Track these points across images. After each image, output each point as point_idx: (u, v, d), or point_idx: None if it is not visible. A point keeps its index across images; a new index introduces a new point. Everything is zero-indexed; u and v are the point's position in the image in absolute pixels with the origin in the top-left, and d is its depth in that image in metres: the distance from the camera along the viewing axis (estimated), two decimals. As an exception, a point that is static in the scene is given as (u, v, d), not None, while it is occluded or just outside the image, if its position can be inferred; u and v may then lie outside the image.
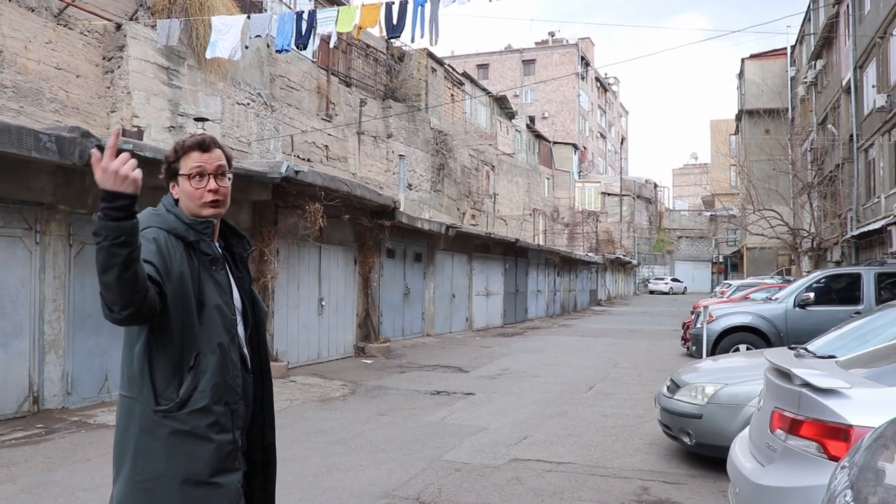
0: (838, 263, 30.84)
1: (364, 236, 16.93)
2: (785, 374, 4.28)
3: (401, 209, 17.74)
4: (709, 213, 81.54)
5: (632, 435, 8.53)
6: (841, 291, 13.71)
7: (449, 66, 33.96)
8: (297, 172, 12.30)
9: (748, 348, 13.21)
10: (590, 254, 48.89)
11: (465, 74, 37.56)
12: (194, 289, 2.59)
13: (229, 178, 2.80)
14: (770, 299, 14.38)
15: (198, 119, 16.76)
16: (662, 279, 77.34)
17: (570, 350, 19.16)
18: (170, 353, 2.55)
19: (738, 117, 58.23)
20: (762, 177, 35.59)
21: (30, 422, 8.80)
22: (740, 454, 4.72)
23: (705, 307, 13.56)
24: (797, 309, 13.30)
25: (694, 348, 14.20)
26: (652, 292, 73.71)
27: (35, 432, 8.33)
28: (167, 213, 2.69)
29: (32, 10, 13.43)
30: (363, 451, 7.61)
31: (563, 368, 15.13)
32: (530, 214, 46.65)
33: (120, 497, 2.53)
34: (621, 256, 61.46)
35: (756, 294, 25.23)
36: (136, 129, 14.68)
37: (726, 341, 13.42)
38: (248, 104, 19.12)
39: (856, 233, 26.41)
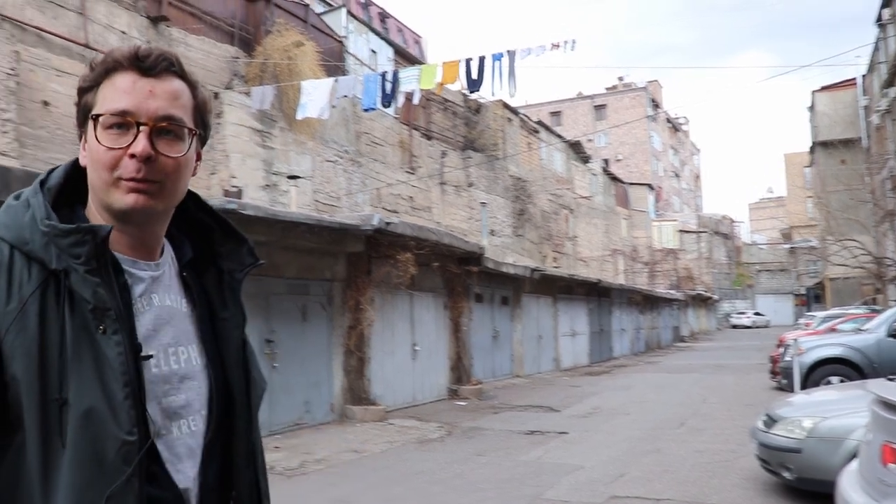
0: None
1: (453, 282, 17.49)
2: (893, 407, 4.23)
3: (486, 255, 18.23)
4: (788, 246, 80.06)
5: (728, 470, 8.74)
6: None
7: (524, 115, 34.63)
8: (387, 224, 12.94)
9: (840, 380, 13.22)
10: (671, 291, 48.59)
11: (539, 122, 38.20)
12: (52, 377, 1.26)
13: (191, 146, 1.44)
14: (860, 330, 14.32)
15: (290, 177, 17.57)
16: (744, 313, 76.10)
17: (658, 387, 19.25)
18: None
19: (812, 149, 57.41)
20: (841, 207, 35.12)
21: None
22: (850, 490, 4.74)
23: (795, 340, 13.56)
24: (890, 339, 13.24)
25: (784, 381, 14.22)
26: (734, 327, 72.54)
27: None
28: (23, 203, 1.36)
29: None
30: (463, 490, 8.00)
31: (653, 405, 15.30)
32: (610, 255, 46.69)
33: None
34: (702, 292, 60.81)
35: (843, 325, 24.90)
36: (234, 188, 15.55)
37: (817, 373, 13.41)
38: (337, 161, 19.94)
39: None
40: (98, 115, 1.36)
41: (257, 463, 1.55)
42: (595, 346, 30.06)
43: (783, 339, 26.92)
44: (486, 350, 20.26)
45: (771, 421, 7.52)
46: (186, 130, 1.42)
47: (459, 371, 17.76)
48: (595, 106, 77.30)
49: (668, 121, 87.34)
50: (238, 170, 16.63)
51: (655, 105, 79.08)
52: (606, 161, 64.27)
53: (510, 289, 21.86)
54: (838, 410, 7.05)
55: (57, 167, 1.44)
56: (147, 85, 1.37)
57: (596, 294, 30.19)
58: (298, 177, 17.89)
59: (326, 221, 11.66)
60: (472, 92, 16.10)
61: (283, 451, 10.10)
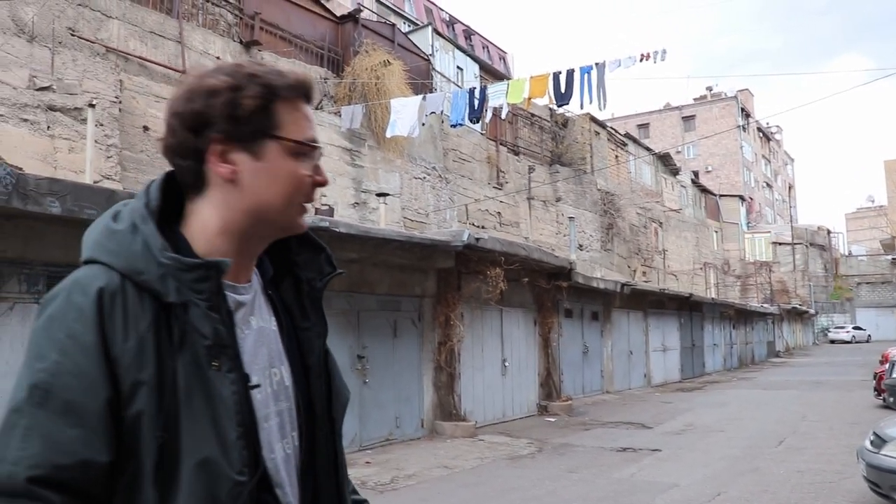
0: None
1: (542, 298, 17.41)
2: None
3: (576, 270, 18.10)
4: (890, 257, 77.22)
5: (832, 492, 8.45)
6: None
7: (611, 128, 34.38)
8: (477, 240, 12.97)
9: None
10: (765, 305, 47.35)
11: (627, 135, 37.92)
12: (163, 420, 1.21)
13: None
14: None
15: (379, 194, 17.80)
16: (843, 328, 73.40)
17: (754, 404, 18.74)
18: None
19: (916, 154, 55.26)
20: None
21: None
22: None
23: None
24: None
25: (892, 399, 13.67)
26: (833, 342, 70.05)
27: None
28: (132, 228, 1.27)
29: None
30: None
31: (749, 423, 14.91)
32: (701, 269, 45.86)
33: None
34: (797, 306, 59.05)
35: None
36: (325, 206, 15.84)
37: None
38: (424, 178, 20.13)
39: None
40: (296, 141, 1.34)
41: (339, 476, 1.49)
42: (686, 361, 29.47)
43: (887, 356, 26.01)
44: (576, 366, 20.08)
45: (881, 441, 7.23)
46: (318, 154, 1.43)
47: (549, 387, 17.65)
48: (683, 117, 76.26)
49: (760, 130, 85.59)
50: (329, 189, 16.93)
51: (746, 114, 77.50)
52: (696, 173, 63.20)
53: (600, 304, 21.64)
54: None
55: (151, 183, 1.35)
56: (312, 115, 1.39)
57: (687, 308, 29.63)
58: (387, 194, 18.10)
59: (417, 238, 11.77)
60: (560, 106, 16.08)
61: (375, 467, 10.20)
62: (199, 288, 1.24)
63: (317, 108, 17.16)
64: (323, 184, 1.37)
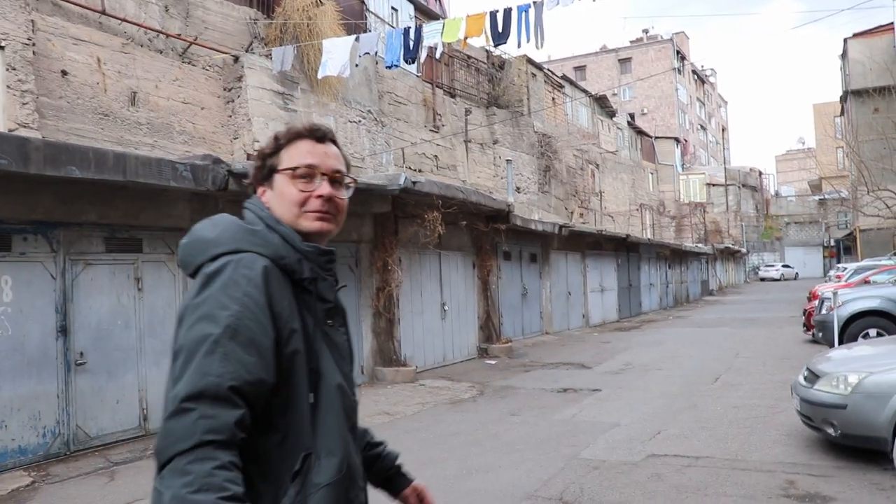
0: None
1: (481, 241, 17.34)
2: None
3: (514, 212, 18.03)
4: (817, 198, 79.08)
5: (767, 426, 8.59)
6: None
7: (548, 70, 34.19)
8: (414, 183, 12.76)
9: (878, 333, 12.99)
10: (699, 245, 48.21)
11: (564, 77, 37.78)
12: (307, 359, 1.73)
13: (348, 189, 1.98)
14: (897, 283, 14.04)
15: (314, 139, 17.43)
16: (773, 266, 75.49)
17: (689, 342, 19.09)
18: (266, 455, 1.69)
19: (843, 98, 56.32)
20: (874, 157, 34.52)
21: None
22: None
23: (835, 293, 13.24)
24: (930, 291, 12.98)
25: (820, 335, 13.97)
26: (763, 280, 72.07)
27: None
28: (268, 229, 1.81)
29: (161, 52, 14.29)
30: (499, 451, 7.90)
31: (685, 361, 15.16)
32: (637, 210, 46.33)
33: None
34: (730, 246, 60.32)
35: (877, 277, 24.48)
36: (257, 152, 15.42)
37: (854, 326, 13.17)
38: (360, 121, 19.76)
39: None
40: (292, 168, 1.87)
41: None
42: (624, 301, 29.89)
43: (815, 293, 26.65)
44: (516, 308, 20.15)
45: (813, 376, 7.34)
46: (348, 180, 2.00)
47: (489, 330, 17.68)
48: (619, 59, 76.25)
49: (695, 73, 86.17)
50: (261, 134, 16.50)
51: (682, 57, 77.95)
52: (632, 115, 63.47)
53: (538, 246, 21.68)
54: (884, 365, 6.87)
55: (253, 199, 1.94)
56: (322, 148, 1.93)
57: (624, 249, 29.96)
58: (322, 138, 17.74)
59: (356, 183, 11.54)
60: (496, 45, 15.79)
61: None
62: (328, 267, 1.89)
63: (247, 51, 16.63)
64: (322, 196, 1.88)
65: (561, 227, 21.49)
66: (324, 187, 1.89)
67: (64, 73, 11.89)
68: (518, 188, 28.34)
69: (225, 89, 16.23)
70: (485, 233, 17.14)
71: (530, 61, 30.73)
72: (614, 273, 28.88)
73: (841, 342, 13.32)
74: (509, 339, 18.24)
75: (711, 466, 6.97)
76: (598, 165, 39.08)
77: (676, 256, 39.67)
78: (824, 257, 78.33)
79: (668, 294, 37.68)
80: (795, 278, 71.96)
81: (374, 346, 13.45)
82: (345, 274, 12.71)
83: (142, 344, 9.32)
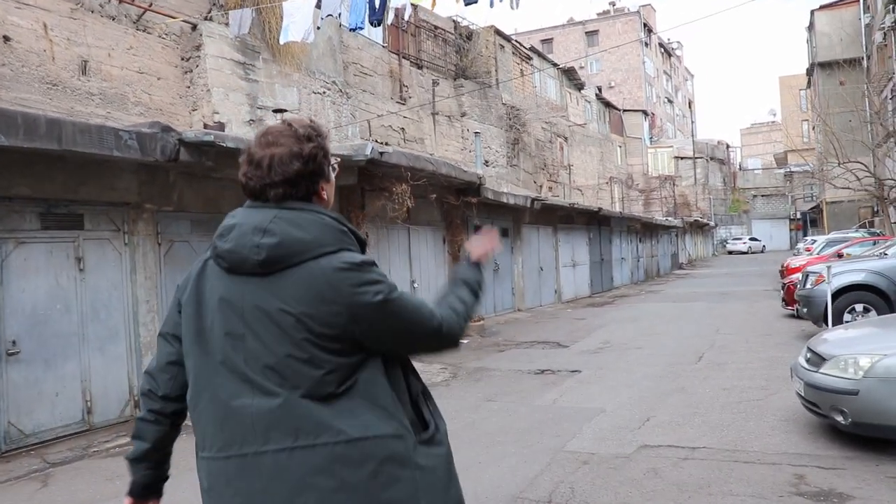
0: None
1: (451, 215, 16.64)
2: None
3: (485, 185, 17.33)
4: (784, 171, 79.39)
5: (762, 411, 8.01)
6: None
7: (516, 41, 33.50)
8: (381, 154, 12.02)
9: (865, 308, 12.51)
10: (669, 218, 47.97)
11: (532, 49, 37.14)
12: None
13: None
14: (883, 254, 13.51)
15: (276, 110, 16.64)
16: (740, 239, 75.73)
17: (666, 317, 18.59)
18: (396, 378, 2.09)
19: (810, 71, 56.43)
20: (840, 129, 34.47)
21: (132, 426, 8.54)
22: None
23: (829, 267, 12.55)
24: (917, 263, 12.48)
25: (805, 310, 13.46)
26: (731, 253, 72.21)
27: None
28: (348, 229, 2.11)
29: (113, 19, 13.38)
30: (478, 444, 7.21)
31: (665, 338, 14.62)
32: (606, 183, 45.95)
33: None
34: (699, 219, 60.24)
35: (850, 249, 24.17)
36: (217, 123, 14.60)
37: (840, 301, 12.62)
38: (324, 93, 18.96)
39: (956, 178, 25.18)
40: (334, 163, 2.28)
41: None
42: (596, 276, 29.41)
43: (789, 266, 26.32)
44: (487, 284, 19.48)
45: (818, 358, 6.74)
46: None
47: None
48: (587, 32, 75.61)
49: (661, 46, 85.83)
50: (221, 105, 15.66)
51: (649, 30, 77.51)
52: (599, 88, 62.98)
53: (510, 219, 21.03)
54: (897, 346, 6.30)
55: (314, 207, 2.10)
56: None
57: (596, 223, 29.44)
58: (285, 110, 16.94)
59: (315, 153, 10.73)
60: (468, 4, 14.99)
61: None
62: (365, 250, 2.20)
63: (205, 19, 15.72)
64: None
65: (533, 199, 20.86)
66: (336, 169, 2.28)
67: (6, 38, 10.96)
68: (486, 161, 27.69)
69: (183, 59, 15.35)
70: (455, 206, 16.45)
71: (498, 32, 30.05)
72: (586, 247, 28.36)
73: (826, 318, 12.88)
74: (481, 316, 17.61)
75: (710, 459, 6.36)
76: (566, 138, 38.60)
77: (647, 230, 39.34)
78: (791, 230, 78.95)
79: (640, 268, 37.34)
80: (763, 251, 72.22)
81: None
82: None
83: (84, 330, 8.53)
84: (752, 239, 75.51)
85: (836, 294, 12.56)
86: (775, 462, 6.21)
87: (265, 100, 16.79)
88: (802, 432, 7.09)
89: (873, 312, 12.44)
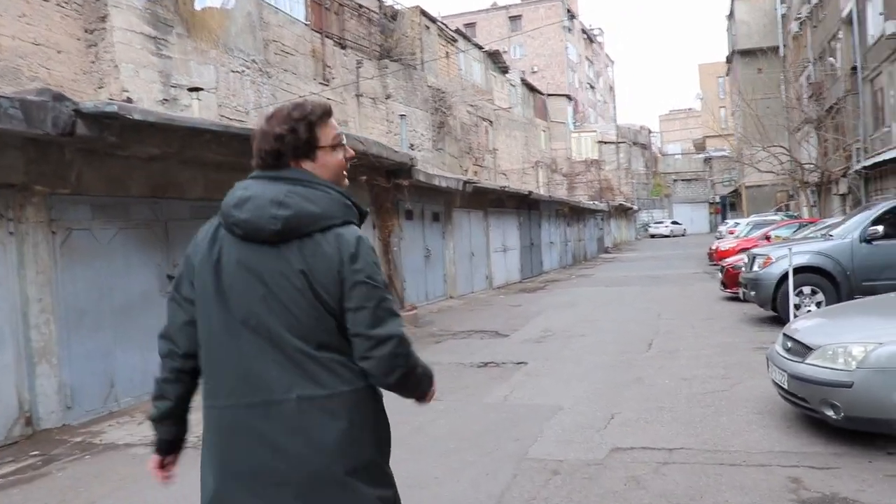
0: (845, 196, 30.07)
1: (381, 198, 15.73)
2: None
3: (417, 167, 16.49)
4: (704, 156, 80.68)
5: (731, 404, 7.39)
6: (904, 221, 12.47)
7: (441, 23, 32.78)
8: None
9: (813, 290, 12.14)
10: (596, 202, 47.98)
11: (457, 31, 36.52)
12: None
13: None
14: (829, 236, 13.14)
15: (192, 89, 15.58)
16: (662, 223, 76.79)
17: (603, 302, 18.09)
18: None
19: (730, 58, 57.28)
20: (751, 116, 35.02)
21: (23, 448, 7.21)
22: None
23: (790, 249, 11.97)
24: (864, 244, 12.13)
25: (752, 293, 13.03)
26: (653, 236, 73.06)
27: (29, 463, 6.76)
28: (353, 204, 2.43)
29: (1, -21, 12.13)
30: (430, 454, 6.31)
31: (607, 324, 14.06)
32: (532, 167, 45.66)
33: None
34: (623, 203, 60.58)
35: (777, 231, 24.15)
36: (127, 101, 13.46)
37: (788, 284, 12.29)
38: (243, 71, 17.91)
39: (868, 163, 25.54)
40: (333, 145, 2.47)
41: None
42: (526, 261, 28.89)
43: (719, 250, 26.21)
44: (418, 271, 18.70)
45: (802, 348, 6.14)
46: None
47: (392, 296, 16.19)
48: (510, 17, 75.21)
49: (584, 31, 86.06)
50: (130, 83, 14.51)
51: (571, 15, 77.52)
52: (523, 73, 62.64)
53: (441, 203, 20.24)
54: (890, 334, 5.74)
55: (303, 171, 2.39)
56: (335, 121, 2.51)
57: (526, 207, 28.91)
58: (201, 89, 15.88)
59: (235, 129, 9.64)
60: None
61: (197, 412, 8.34)
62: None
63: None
64: (351, 158, 2.56)
65: (465, 182, 20.12)
66: (348, 151, 2.55)
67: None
68: (412, 145, 26.96)
69: (86, 31, 14.12)
70: (386, 189, 15.56)
71: (423, 13, 29.34)
72: (516, 232, 27.80)
73: (774, 302, 12.48)
74: (413, 305, 16.81)
75: (692, 462, 5.70)
76: (491, 122, 38.19)
77: (575, 214, 39.14)
78: (710, 213, 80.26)
79: (568, 252, 37.07)
80: (684, 235, 73.19)
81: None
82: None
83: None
84: (673, 223, 76.54)
85: (785, 276, 12.18)
86: (763, 463, 5.59)
87: (180, 78, 15.72)
88: (781, 427, 6.51)
89: (820, 294, 12.12)
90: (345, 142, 2.51)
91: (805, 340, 6.18)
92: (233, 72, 17.64)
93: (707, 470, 5.49)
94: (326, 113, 2.46)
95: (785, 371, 6.17)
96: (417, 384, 2.44)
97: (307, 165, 2.38)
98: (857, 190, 28.42)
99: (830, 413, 5.73)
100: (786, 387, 6.19)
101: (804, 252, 12.56)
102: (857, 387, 5.53)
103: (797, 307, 12.12)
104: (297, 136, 2.35)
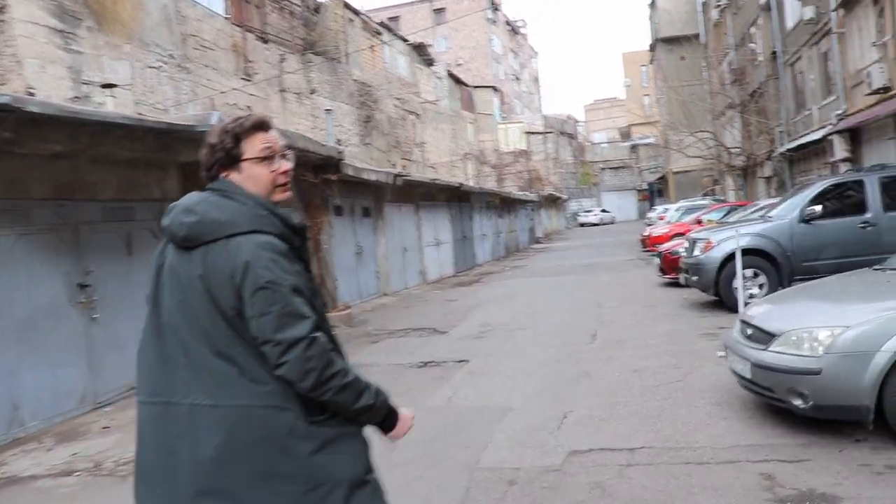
0: (769, 179, 30.48)
1: (310, 194, 15.10)
2: None
3: (346, 160, 15.91)
4: (630, 143, 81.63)
5: (688, 396, 7.05)
6: (843, 202, 12.42)
7: (365, 15, 32.22)
8: (229, 127, 10.40)
9: (755, 273, 11.98)
10: (526, 192, 47.96)
11: (382, 24, 35.97)
12: (315, 297, 2.43)
13: (290, 160, 2.58)
14: (768, 218, 12.98)
15: (105, 85, 14.68)
16: (591, 211, 77.39)
17: (540, 293, 17.78)
18: None
19: (653, 47, 57.91)
20: (681, 102, 35.45)
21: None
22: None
23: (738, 231, 11.69)
24: (803, 224, 12.01)
25: (695, 279, 12.81)
26: (582, 225, 73.58)
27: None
28: (270, 213, 2.41)
29: None
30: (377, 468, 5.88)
31: (548, 316, 13.71)
32: (460, 160, 45.37)
33: None
34: (553, 193, 60.77)
35: (709, 215, 24.22)
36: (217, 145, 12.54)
37: (730, 268, 12.09)
38: (161, 67, 17.03)
39: (791, 146, 25.92)
40: (260, 157, 2.45)
41: None
42: (459, 254, 28.53)
43: (652, 236, 26.22)
44: (350, 269, 18.11)
45: (764, 335, 5.81)
46: (289, 152, 2.57)
47: (324, 296, 15.59)
48: (434, 10, 74.71)
49: (508, 23, 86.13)
50: (36, 79, 13.54)
51: (495, 7, 77.47)
52: (448, 66, 62.29)
53: (371, 198, 19.69)
54: (860, 316, 5.44)
55: (230, 184, 2.44)
56: (271, 135, 2.48)
57: (456, 199, 28.53)
58: (115, 85, 14.99)
59: (149, 122, 8.94)
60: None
61: (115, 433, 7.57)
62: (305, 236, 2.52)
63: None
64: (285, 172, 2.50)
65: (395, 176, 19.60)
66: (284, 164, 2.51)
67: None
68: (339, 140, 26.25)
69: (-17, 24, 13.20)
70: (314, 185, 14.93)
71: (347, 5, 28.72)
72: (448, 225, 27.40)
73: (717, 286, 12.29)
74: (347, 304, 16.22)
75: (657, 462, 5.31)
76: (418, 115, 37.75)
77: (505, 205, 38.98)
78: (638, 200, 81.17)
79: (500, 244, 36.87)
80: (613, 222, 73.84)
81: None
82: (148, 241, 10.10)
83: None
84: (602, 211, 77.19)
85: (727, 260, 12.02)
86: (731, 459, 5.24)
87: (91, 74, 14.79)
88: (742, 418, 6.18)
89: (762, 277, 11.97)
90: (280, 153, 2.50)
91: (766, 327, 5.86)
92: (149, 67, 16.78)
93: (674, 470, 5.11)
94: (257, 126, 2.47)
95: (748, 360, 5.83)
96: (344, 391, 2.29)
97: (234, 177, 2.44)
98: (782, 172, 28.85)
99: (798, 402, 5.41)
100: (748, 376, 5.86)
101: (744, 234, 12.36)
102: (825, 373, 5.22)
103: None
104: (223, 147, 2.43)
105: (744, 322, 6.31)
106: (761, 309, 6.52)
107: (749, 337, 6.03)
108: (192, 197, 2.40)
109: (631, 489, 4.84)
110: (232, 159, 2.41)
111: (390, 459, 5.81)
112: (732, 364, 6.22)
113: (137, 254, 9.73)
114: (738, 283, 10.38)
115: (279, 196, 2.48)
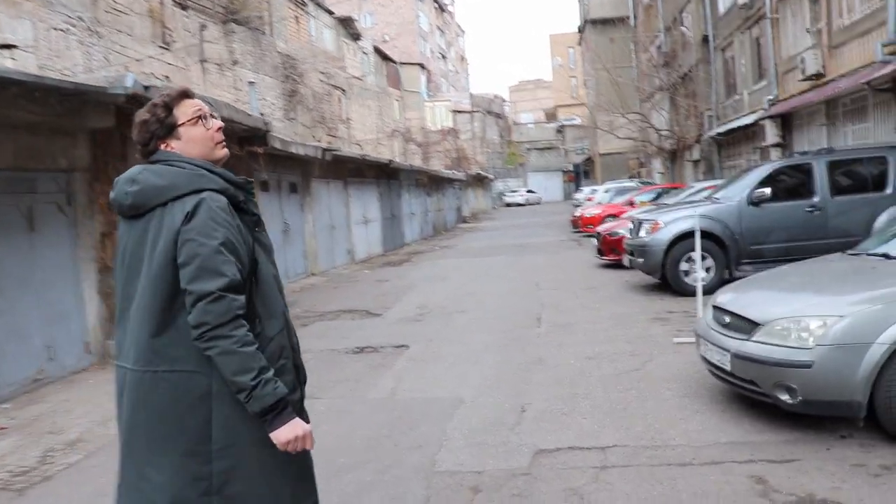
0: (697, 162, 30.58)
1: (235, 168, 14.05)
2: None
3: (273, 133, 15.03)
4: (557, 125, 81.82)
5: (653, 386, 6.54)
6: (791, 184, 12.13)
7: (289, -16, 31.14)
8: (147, 88, 9.42)
9: (703, 256, 11.61)
10: (455, 171, 47.49)
11: (307, -5, 34.88)
12: (250, 255, 2.51)
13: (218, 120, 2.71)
14: (715, 199, 12.62)
15: (3, 46, 13.51)
16: (517, 191, 77.27)
17: (474, 274, 17.23)
18: None
19: (582, 28, 57.87)
20: (612, 84, 35.39)
21: None
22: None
23: (698, 212, 11.29)
24: (751, 206, 11.69)
25: (640, 261, 12.39)
26: (508, 205, 73.47)
27: None
28: (209, 172, 2.54)
29: None
30: (319, 474, 5.09)
31: (486, 298, 13.17)
32: (387, 137, 44.61)
33: (182, 479, 2.43)
34: (480, 172, 60.45)
35: (641, 197, 24.04)
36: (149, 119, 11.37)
37: (677, 250, 11.73)
38: (68, 29, 15.84)
39: (722, 130, 25.93)
40: (195, 118, 2.60)
41: None
42: (388, 232, 27.80)
43: (584, 217, 25.95)
44: (277, 247, 16.88)
45: (746, 323, 5.32)
46: (216, 113, 2.76)
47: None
48: (360, -17, 73.41)
49: (435, 0, 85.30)
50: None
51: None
52: (374, 42, 61.23)
53: (298, 173, 18.80)
54: (853, 303, 4.98)
55: (168, 152, 2.60)
56: (196, 100, 2.65)
57: (385, 177, 27.78)
58: (15, 46, 13.81)
59: (52, 81, 7.97)
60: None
61: (14, 435, 6.65)
62: (250, 191, 2.63)
63: None
64: (219, 127, 2.66)
65: (324, 150, 18.77)
66: (217, 122, 2.65)
67: None
68: (263, 114, 25.26)
69: None
70: (240, 158, 13.99)
71: (271, -27, 27.56)
72: (377, 202, 26.64)
73: (664, 269, 11.91)
74: (275, 285, 15.40)
75: (635, 464, 4.76)
76: (344, 91, 36.88)
77: (433, 184, 38.40)
78: (564, 182, 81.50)
79: (428, 223, 36.28)
80: (539, 203, 73.91)
81: (103, 313, 9.71)
82: (53, 216, 9.08)
83: None
84: (528, 191, 77.20)
85: (675, 242, 11.67)
86: (715, 460, 4.73)
87: (-13, 33, 13.64)
88: (716, 411, 5.71)
89: (710, 259, 11.63)
90: (209, 113, 2.65)
91: (747, 314, 5.37)
92: (55, 29, 15.58)
93: (655, 473, 4.57)
94: (183, 94, 2.64)
95: (727, 350, 5.33)
96: (228, 356, 2.31)
97: (175, 145, 2.59)
98: (710, 156, 28.89)
99: (785, 397, 4.93)
100: (728, 367, 5.36)
101: (690, 217, 12.00)
102: (817, 367, 4.75)
103: (686, 273, 11.65)
104: (157, 118, 2.58)
105: (717, 308, 5.82)
106: (734, 295, 6.05)
107: (727, 325, 5.54)
108: (135, 168, 2.55)
109: (612, 497, 4.27)
110: (168, 128, 2.58)
111: (335, 464, 5.17)
112: (706, 353, 5.73)
113: (41, 230, 8.71)
114: (696, 265, 9.95)
115: (220, 153, 2.64)
